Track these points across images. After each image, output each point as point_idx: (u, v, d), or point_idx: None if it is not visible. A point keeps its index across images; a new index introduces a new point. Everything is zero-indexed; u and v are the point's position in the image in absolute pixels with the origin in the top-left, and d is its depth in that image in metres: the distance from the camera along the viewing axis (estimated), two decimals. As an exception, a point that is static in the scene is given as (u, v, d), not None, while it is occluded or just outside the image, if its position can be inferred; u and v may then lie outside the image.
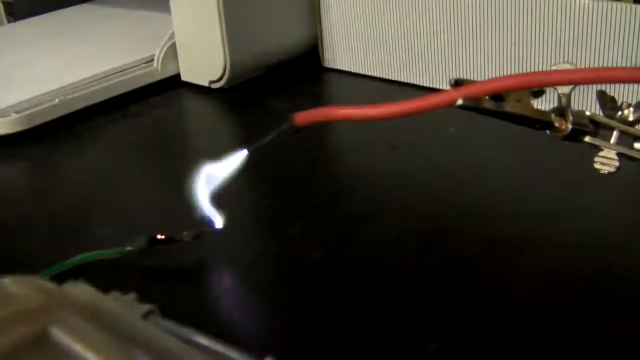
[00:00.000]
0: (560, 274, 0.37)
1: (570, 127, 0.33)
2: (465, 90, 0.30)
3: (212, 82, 0.63)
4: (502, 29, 0.56)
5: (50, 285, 0.25)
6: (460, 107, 0.30)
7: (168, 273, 0.38)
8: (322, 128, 0.54)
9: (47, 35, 0.76)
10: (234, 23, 0.61)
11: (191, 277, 0.38)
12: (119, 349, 0.22)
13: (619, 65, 0.51)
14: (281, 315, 0.35)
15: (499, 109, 0.32)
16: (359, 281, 0.37)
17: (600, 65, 0.51)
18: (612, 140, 0.34)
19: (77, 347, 0.21)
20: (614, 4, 0.50)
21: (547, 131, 0.34)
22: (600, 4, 0.50)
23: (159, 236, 0.39)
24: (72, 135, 0.56)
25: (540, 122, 0.33)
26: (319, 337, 0.33)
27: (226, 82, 0.62)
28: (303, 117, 0.34)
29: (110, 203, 0.47)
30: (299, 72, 0.67)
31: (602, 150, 0.34)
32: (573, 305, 0.34)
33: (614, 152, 0.34)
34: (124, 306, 0.25)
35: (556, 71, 0.30)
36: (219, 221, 0.39)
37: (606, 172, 0.34)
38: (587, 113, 0.34)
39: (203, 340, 0.24)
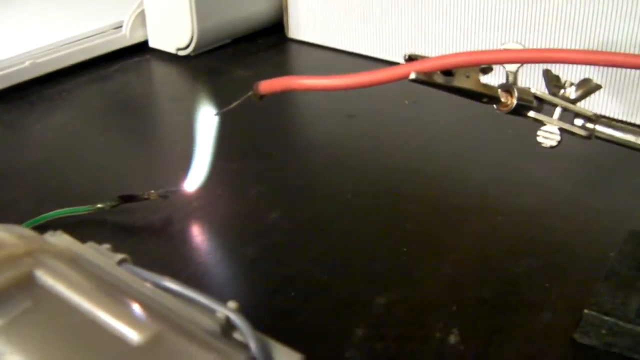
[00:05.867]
0: (502, 238, 0.40)
1: (515, 102, 0.36)
2: (418, 65, 0.33)
3: (179, 49, 0.64)
4: (463, 7, 0.58)
5: (32, 233, 0.27)
6: (413, 80, 0.33)
7: (137, 229, 0.40)
8: (286, 98, 0.56)
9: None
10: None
11: (159, 232, 0.40)
12: (99, 289, 0.24)
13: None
14: (243, 269, 0.37)
15: (449, 83, 0.34)
16: (314, 239, 0.40)
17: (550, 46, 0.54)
18: (555, 116, 0.37)
19: (61, 288, 0.23)
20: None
21: (494, 105, 0.37)
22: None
23: (128, 194, 0.41)
24: (43, 98, 0.58)
25: (487, 96, 0.36)
26: (277, 287, 0.36)
27: (193, 50, 0.64)
28: (266, 85, 0.36)
29: (81, 163, 0.49)
30: (264, 42, 0.69)
31: (544, 125, 0.37)
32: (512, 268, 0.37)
33: (556, 127, 0.37)
34: (100, 254, 0.27)
35: (504, 50, 0.33)
36: (186, 182, 0.41)
37: (548, 145, 0.37)
38: (532, 90, 0.37)
39: (172, 284, 0.26)
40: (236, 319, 0.24)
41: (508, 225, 0.41)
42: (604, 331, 0.32)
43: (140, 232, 0.40)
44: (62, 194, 0.44)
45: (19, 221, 0.39)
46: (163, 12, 0.64)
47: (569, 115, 0.37)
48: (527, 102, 0.36)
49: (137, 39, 0.66)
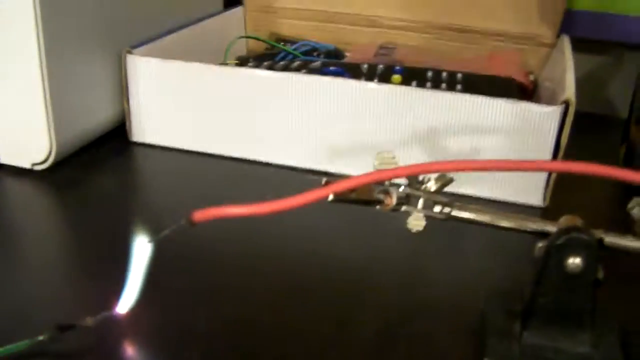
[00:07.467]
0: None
1: (394, 201, 0.45)
2: (333, 188, 0.40)
3: (35, 164, 0.65)
4: (303, 107, 0.67)
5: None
6: (331, 201, 0.41)
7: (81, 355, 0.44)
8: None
9: None
10: (57, 103, 0.64)
11: (104, 354, 0.44)
12: None
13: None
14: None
15: (354, 197, 0.42)
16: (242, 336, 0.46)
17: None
18: (419, 206, 0.46)
19: None
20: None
21: (378, 207, 0.45)
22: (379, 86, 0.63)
23: (66, 324, 0.44)
24: None
25: (377, 202, 0.44)
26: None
27: (51, 163, 0.65)
28: (200, 215, 0.42)
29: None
30: (111, 147, 0.72)
31: (412, 214, 0.46)
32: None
33: (422, 214, 0.46)
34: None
35: (402, 167, 0.41)
36: (115, 303, 0.45)
37: (416, 230, 0.46)
38: (401, 189, 0.45)
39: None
40: None
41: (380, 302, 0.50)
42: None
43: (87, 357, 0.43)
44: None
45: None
46: (14, 126, 0.65)
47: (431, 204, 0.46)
48: (402, 200, 0.45)
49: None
